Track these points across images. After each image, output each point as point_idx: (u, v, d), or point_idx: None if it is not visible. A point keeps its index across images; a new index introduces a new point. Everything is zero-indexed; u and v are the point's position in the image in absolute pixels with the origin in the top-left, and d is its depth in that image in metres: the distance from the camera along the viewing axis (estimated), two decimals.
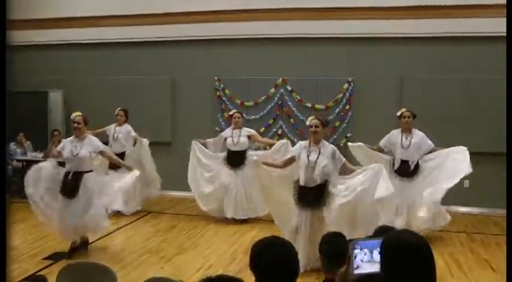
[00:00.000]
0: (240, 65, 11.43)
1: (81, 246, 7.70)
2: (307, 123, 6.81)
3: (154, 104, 11.74)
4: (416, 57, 10.49)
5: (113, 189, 7.45)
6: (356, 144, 8.57)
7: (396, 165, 8.32)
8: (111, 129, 9.99)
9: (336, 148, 6.78)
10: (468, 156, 7.86)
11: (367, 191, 6.42)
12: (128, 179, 7.63)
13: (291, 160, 6.88)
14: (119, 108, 10.05)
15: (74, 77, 12.35)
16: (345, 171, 6.72)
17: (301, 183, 6.66)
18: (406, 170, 8.27)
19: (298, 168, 6.76)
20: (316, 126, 6.65)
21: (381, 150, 8.50)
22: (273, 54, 11.24)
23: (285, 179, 6.95)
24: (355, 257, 2.46)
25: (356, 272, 2.46)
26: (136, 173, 7.75)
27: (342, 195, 6.53)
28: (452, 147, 8.15)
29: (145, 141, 9.99)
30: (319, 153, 6.59)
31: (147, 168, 9.90)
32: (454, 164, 7.96)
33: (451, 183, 7.88)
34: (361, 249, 2.47)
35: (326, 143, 6.83)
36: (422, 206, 8.02)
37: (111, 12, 12.02)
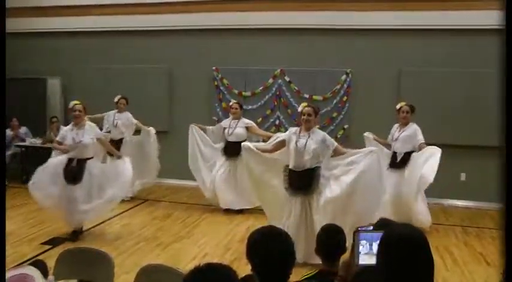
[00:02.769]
0: (238, 55, 11.43)
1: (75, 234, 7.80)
2: (299, 109, 6.79)
3: (152, 93, 11.77)
4: (414, 49, 10.49)
5: (126, 179, 7.69)
6: (368, 135, 8.67)
7: (389, 156, 8.41)
8: (111, 115, 10.03)
9: (326, 134, 6.78)
10: (435, 166, 7.71)
11: (365, 177, 6.45)
12: (128, 167, 7.74)
13: (281, 144, 6.85)
14: (120, 96, 10.08)
15: (72, 65, 12.36)
16: (337, 155, 6.71)
17: (291, 167, 6.65)
18: (394, 161, 8.36)
19: (288, 153, 6.75)
20: (309, 114, 6.64)
21: (387, 144, 8.59)
22: (272, 45, 11.25)
23: (274, 163, 6.91)
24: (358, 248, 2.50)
25: (359, 262, 2.50)
26: (126, 160, 7.89)
27: (335, 184, 6.55)
28: (432, 149, 8.01)
29: (153, 130, 10.07)
30: (308, 138, 6.60)
31: (148, 156, 9.99)
32: (424, 172, 7.85)
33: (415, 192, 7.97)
34: (360, 240, 2.51)
35: (317, 130, 6.80)
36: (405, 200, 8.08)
37: (110, 1, 12.04)
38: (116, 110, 10.05)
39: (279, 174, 6.83)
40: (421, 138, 8.26)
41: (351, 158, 6.58)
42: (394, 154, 8.40)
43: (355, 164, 6.51)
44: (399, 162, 8.30)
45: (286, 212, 6.69)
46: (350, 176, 6.50)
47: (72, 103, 7.76)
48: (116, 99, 10.03)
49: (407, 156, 8.28)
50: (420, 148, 8.19)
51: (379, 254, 2.36)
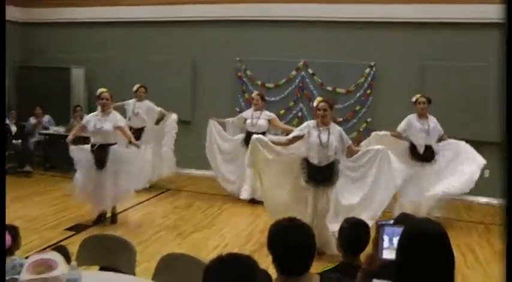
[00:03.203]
0: (262, 47, 11.42)
1: (100, 219, 7.94)
2: (314, 104, 6.79)
3: (175, 83, 11.79)
4: (439, 43, 10.37)
5: (138, 170, 7.97)
6: (382, 133, 8.54)
7: (421, 151, 8.23)
8: (130, 104, 10.07)
9: (342, 130, 6.81)
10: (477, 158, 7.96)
11: (377, 179, 6.62)
12: (140, 160, 7.94)
13: (297, 138, 6.82)
14: (139, 85, 10.13)
15: (96, 55, 12.46)
16: (350, 154, 6.77)
17: (315, 162, 6.61)
18: (430, 155, 8.23)
19: (305, 146, 6.71)
20: (325, 110, 6.61)
21: (399, 135, 8.48)
22: (296, 37, 11.21)
23: (287, 157, 6.87)
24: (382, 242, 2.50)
25: (382, 256, 2.50)
26: (148, 151, 8.00)
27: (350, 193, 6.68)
28: (461, 143, 8.15)
29: (175, 116, 10.12)
30: (329, 134, 6.60)
31: (164, 146, 10.06)
32: (468, 167, 7.96)
33: (460, 190, 8.03)
34: (384, 234, 2.51)
35: (334, 124, 6.84)
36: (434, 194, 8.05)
37: None
38: (136, 99, 10.10)
39: (289, 169, 6.83)
40: (441, 128, 8.33)
41: (363, 160, 6.69)
42: (428, 147, 8.23)
43: (368, 168, 6.67)
44: (431, 156, 8.23)
45: (303, 204, 6.70)
46: (364, 181, 6.68)
47: (99, 90, 7.85)
48: (135, 88, 10.08)
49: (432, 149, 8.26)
50: (442, 139, 8.28)
51: (399, 249, 2.36)
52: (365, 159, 6.70)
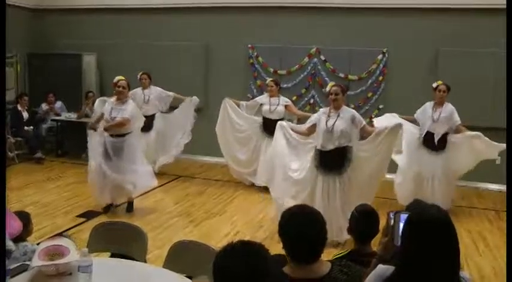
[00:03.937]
0: (274, 34, 11.34)
1: (128, 206, 8.04)
2: (327, 89, 6.80)
3: (187, 69, 11.74)
4: (451, 29, 10.24)
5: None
6: (391, 114, 8.50)
7: (422, 136, 8.23)
8: (138, 93, 9.87)
9: (356, 112, 6.78)
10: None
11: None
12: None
13: (314, 127, 6.84)
14: (142, 72, 10.07)
15: (108, 41, 12.43)
16: (364, 134, 6.74)
17: (319, 147, 6.64)
18: (431, 142, 8.17)
19: (317, 134, 6.74)
20: (336, 94, 6.62)
21: (414, 120, 8.43)
22: (308, 24, 11.13)
23: (304, 146, 6.93)
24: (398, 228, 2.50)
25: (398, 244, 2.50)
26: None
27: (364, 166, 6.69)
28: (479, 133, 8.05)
29: (195, 99, 10.05)
30: (338, 118, 6.58)
31: (182, 128, 10.04)
32: (483, 146, 7.91)
33: (473, 164, 8.01)
34: (400, 221, 2.52)
35: (346, 108, 6.82)
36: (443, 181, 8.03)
37: None
38: (141, 87, 10.02)
39: (304, 157, 6.83)
40: (458, 119, 8.16)
41: (378, 139, 6.61)
42: (431, 135, 8.19)
43: (382, 145, 6.62)
44: (439, 144, 8.16)
45: (310, 191, 6.69)
46: (378, 159, 6.66)
47: (117, 78, 7.78)
48: (138, 76, 10.01)
49: (444, 137, 8.17)
50: (458, 130, 8.14)
51: (403, 234, 2.37)
52: (379, 138, 6.61)
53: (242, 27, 11.57)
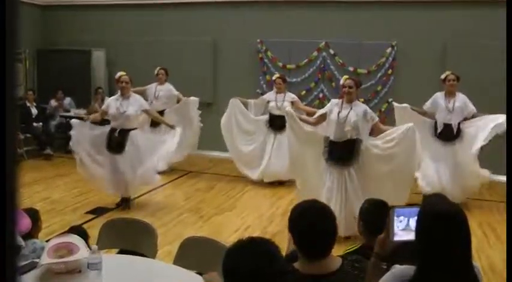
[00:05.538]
0: (283, 28, 11.30)
1: (123, 202, 7.93)
2: (341, 82, 6.73)
3: (196, 65, 11.72)
4: (461, 21, 10.17)
5: (164, 150, 7.91)
6: (402, 105, 8.39)
7: (439, 129, 8.17)
8: (152, 88, 10.01)
9: (368, 108, 6.72)
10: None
11: (400, 153, 6.46)
12: (173, 139, 7.88)
13: (322, 118, 6.82)
14: (159, 67, 10.11)
15: (117, 37, 12.43)
16: (376, 132, 6.67)
17: (331, 138, 6.59)
18: (449, 134, 8.11)
19: (328, 125, 6.70)
20: (350, 87, 6.55)
21: (425, 113, 8.37)
22: (316, 18, 11.08)
23: (314, 135, 6.86)
24: (394, 224, 2.48)
25: (395, 239, 2.48)
26: (178, 130, 8.25)
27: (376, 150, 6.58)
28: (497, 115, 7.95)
29: (194, 100, 9.93)
30: (351, 110, 6.53)
31: (190, 127, 9.95)
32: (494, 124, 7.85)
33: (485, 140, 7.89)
34: (397, 216, 2.49)
35: (359, 102, 6.78)
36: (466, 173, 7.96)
37: None
38: (157, 82, 10.07)
39: (319, 148, 6.78)
40: (473, 107, 8.15)
41: (391, 136, 6.50)
42: (447, 126, 8.13)
43: (395, 145, 6.47)
44: (455, 135, 8.11)
45: (322, 183, 6.64)
46: (389, 157, 6.52)
47: (119, 74, 7.79)
48: (155, 71, 10.06)
49: (458, 126, 8.13)
50: (474, 117, 8.16)
51: (416, 229, 2.34)
52: (392, 136, 6.51)
53: (251, 22, 11.53)
